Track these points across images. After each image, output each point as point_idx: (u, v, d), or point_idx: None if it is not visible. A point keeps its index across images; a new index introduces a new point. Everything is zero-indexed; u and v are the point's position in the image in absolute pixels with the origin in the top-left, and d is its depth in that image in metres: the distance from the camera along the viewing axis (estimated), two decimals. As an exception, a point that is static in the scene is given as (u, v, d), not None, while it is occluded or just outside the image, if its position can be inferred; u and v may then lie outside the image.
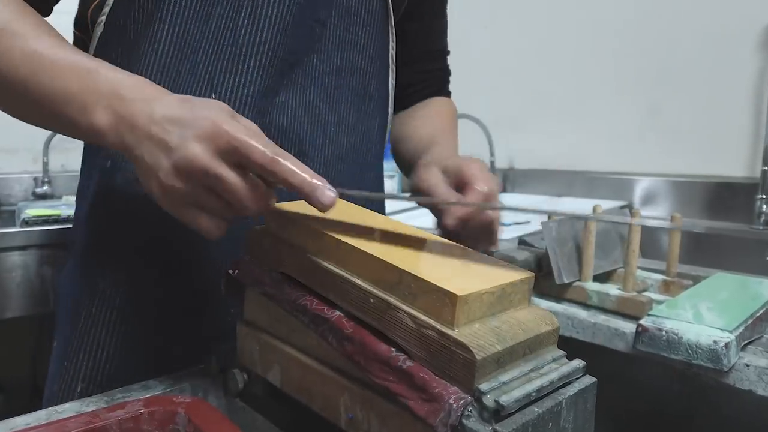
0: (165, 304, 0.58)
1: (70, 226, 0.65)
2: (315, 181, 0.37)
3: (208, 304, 0.59)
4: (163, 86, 0.48)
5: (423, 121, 0.77)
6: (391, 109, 0.73)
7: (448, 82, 0.83)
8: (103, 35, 0.58)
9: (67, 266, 0.62)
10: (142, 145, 0.39)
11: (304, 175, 0.37)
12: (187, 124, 0.38)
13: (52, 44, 0.43)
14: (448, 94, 0.83)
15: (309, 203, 0.38)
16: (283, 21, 0.58)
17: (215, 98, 0.52)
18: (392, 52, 0.71)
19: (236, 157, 0.37)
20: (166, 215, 0.41)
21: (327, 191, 0.37)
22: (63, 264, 0.64)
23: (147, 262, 0.58)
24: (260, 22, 0.58)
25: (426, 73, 0.80)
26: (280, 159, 0.37)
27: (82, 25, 0.60)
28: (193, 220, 0.40)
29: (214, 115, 0.38)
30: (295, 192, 0.37)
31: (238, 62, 0.57)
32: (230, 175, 0.37)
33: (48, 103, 0.42)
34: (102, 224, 0.59)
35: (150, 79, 0.48)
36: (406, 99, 0.80)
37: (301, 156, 0.61)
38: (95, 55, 0.58)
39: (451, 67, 0.84)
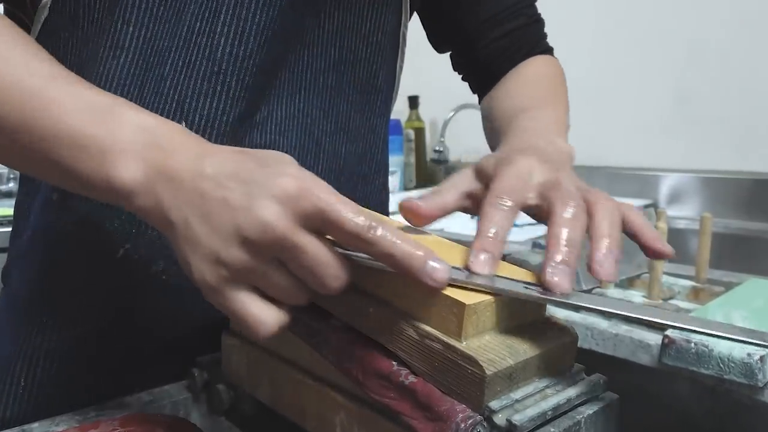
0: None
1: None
2: (419, 253, 0.32)
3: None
4: None
5: (507, 92, 0.65)
6: (395, 96, 0.68)
7: (541, 36, 0.70)
8: (49, 21, 0.52)
9: (4, 295, 0.58)
10: (188, 208, 0.33)
11: (405, 246, 0.32)
12: (258, 181, 0.32)
13: (50, 71, 0.37)
14: (545, 51, 0.70)
15: (419, 280, 0.32)
16: (273, 25, 0.51)
17: (185, 125, 0.45)
18: (404, 30, 0.65)
19: (320, 223, 0.32)
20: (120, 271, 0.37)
21: (439, 268, 0.32)
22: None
23: (88, 315, 0.54)
24: (244, 28, 0.50)
25: (506, 37, 0.68)
26: (378, 227, 0.32)
27: None
28: (244, 311, 0.33)
29: (294, 170, 0.33)
30: (395, 269, 0.33)
31: (216, 82, 0.51)
32: (312, 245, 0.32)
33: (47, 148, 0.35)
34: (43, 266, 0.54)
35: (112, 92, 0.44)
36: (493, 75, 0.69)
37: None
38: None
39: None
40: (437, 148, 1.78)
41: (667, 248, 0.40)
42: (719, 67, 1.45)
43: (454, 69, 0.75)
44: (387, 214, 0.71)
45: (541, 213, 0.40)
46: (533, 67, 0.68)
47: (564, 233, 0.36)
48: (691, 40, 1.49)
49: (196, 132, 0.45)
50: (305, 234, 0.32)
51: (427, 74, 1.50)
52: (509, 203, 0.38)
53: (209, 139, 0.46)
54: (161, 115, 0.44)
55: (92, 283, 0.53)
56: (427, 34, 0.74)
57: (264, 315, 0.33)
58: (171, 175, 0.33)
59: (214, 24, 0.50)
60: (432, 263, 0.32)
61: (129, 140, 0.35)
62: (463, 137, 1.77)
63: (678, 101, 1.52)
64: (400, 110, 1.84)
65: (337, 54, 0.58)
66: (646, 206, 1.43)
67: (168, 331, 0.56)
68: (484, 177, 0.43)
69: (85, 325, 0.54)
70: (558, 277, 0.35)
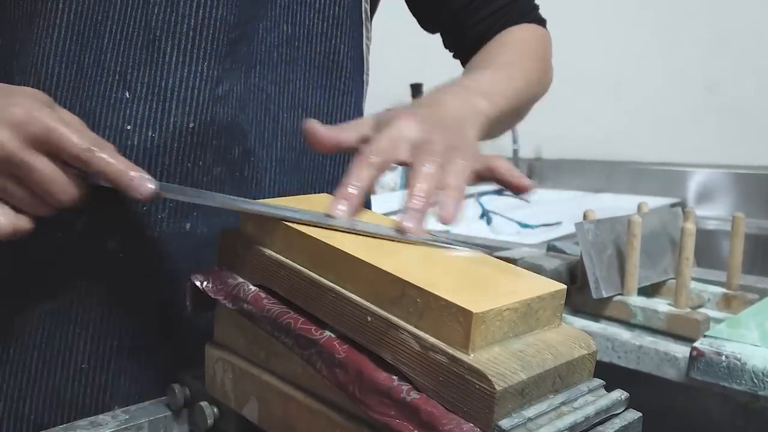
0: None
1: None
2: (131, 172, 0.43)
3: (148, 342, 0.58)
4: (67, 83, 0.54)
5: (472, 60, 0.71)
6: (366, 77, 0.71)
7: (529, 8, 0.76)
8: None
9: None
10: None
11: (119, 165, 0.43)
12: (1, 110, 0.42)
13: None
14: (532, 21, 0.75)
15: (128, 196, 0.43)
16: None
17: (129, 97, 0.55)
18: (365, 6, 0.68)
19: (48, 146, 0.43)
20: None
21: (146, 183, 0.43)
22: None
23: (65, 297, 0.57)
24: None
25: (493, 15, 0.74)
26: (94, 149, 0.43)
27: None
28: None
29: (28, 102, 0.43)
30: (112, 184, 0.43)
31: (153, 50, 0.55)
32: (40, 162, 0.43)
33: None
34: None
35: (49, 73, 0.54)
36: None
37: (247, 155, 0.60)
38: None
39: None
40: (443, 142, 1.78)
41: (527, 181, 0.51)
42: (753, 50, 1.45)
43: (446, 47, 0.79)
44: (369, 204, 0.71)
45: (409, 168, 0.48)
46: (510, 34, 0.73)
47: (416, 185, 0.45)
48: (720, 26, 1.49)
49: (144, 99, 0.55)
50: (34, 154, 0.42)
51: (431, 60, 1.50)
52: (374, 159, 0.46)
53: (175, 111, 0.56)
54: (104, 86, 0.55)
55: (52, 260, 0.57)
56: (413, 14, 0.78)
57: (1, 218, 0.43)
58: None
59: None
60: (141, 180, 0.43)
61: None
62: (471, 129, 1.77)
63: (707, 89, 1.53)
64: (402, 99, 1.84)
65: (290, 29, 0.62)
66: (673, 205, 1.43)
67: (129, 323, 0.58)
68: (377, 129, 0.50)
69: (46, 305, 0.57)
70: (408, 221, 0.43)
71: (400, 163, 0.49)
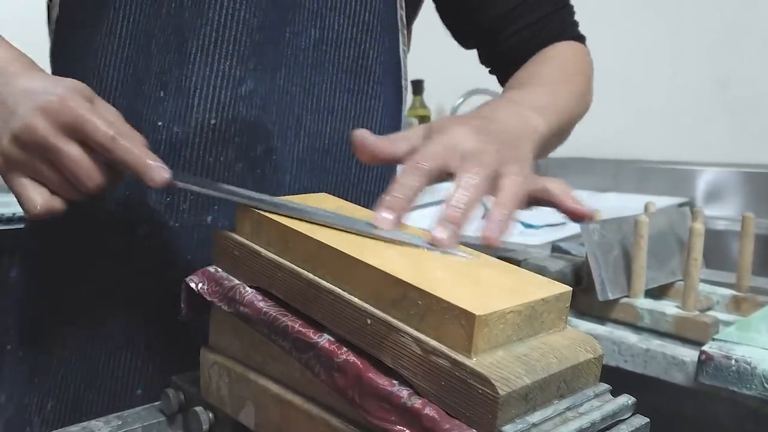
0: (139, 318, 0.63)
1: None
2: (148, 161, 0.47)
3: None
4: (123, 86, 0.61)
5: (515, 76, 0.71)
6: (404, 81, 0.73)
7: (567, 24, 0.75)
8: (60, 18, 0.65)
9: (20, 273, 0.69)
10: None
11: (138, 153, 0.47)
12: (37, 97, 0.47)
13: None
14: (572, 38, 0.75)
15: (144, 182, 0.47)
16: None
17: (164, 95, 0.61)
18: (401, 12, 0.70)
19: (78, 133, 0.47)
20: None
21: (161, 171, 0.47)
22: None
23: (115, 270, 0.63)
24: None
25: (527, 28, 0.74)
26: (118, 138, 0.46)
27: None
28: (20, 189, 0.48)
29: (64, 92, 0.47)
30: (130, 171, 0.47)
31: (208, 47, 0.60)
32: (69, 149, 0.47)
33: None
34: (58, 231, 0.65)
35: (110, 78, 0.61)
36: (516, 67, 0.73)
37: (269, 154, 0.63)
38: (53, 39, 0.67)
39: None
40: (444, 140, 1.78)
41: (586, 208, 0.49)
42: (764, 46, 1.45)
43: (481, 62, 0.79)
44: None
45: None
46: (552, 51, 0.73)
47: (456, 195, 0.43)
48: (730, 16, 1.49)
49: (174, 99, 0.60)
50: (65, 140, 0.46)
51: (431, 57, 1.50)
52: (425, 166, 0.45)
53: (197, 108, 0.61)
54: (147, 87, 0.61)
55: (86, 245, 0.64)
56: (448, 28, 0.79)
57: (34, 196, 0.48)
58: None
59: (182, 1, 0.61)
60: (156, 168, 0.46)
61: None
62: (474, 127, 1.77)
63: (717, 86, 1.53)
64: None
65: (318, 33, 0.65)
66: (681, 205, 1.43)
67: (153, 308, 0.63)
68: (428, 138, 0.49)
69: (85, 286, 0.64)
70: (441, 233, 0.42)
71: (451, 174, 0.46)
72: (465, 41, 0.79)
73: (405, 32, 0.71)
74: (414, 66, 1.78)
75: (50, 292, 0.66)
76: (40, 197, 0.48)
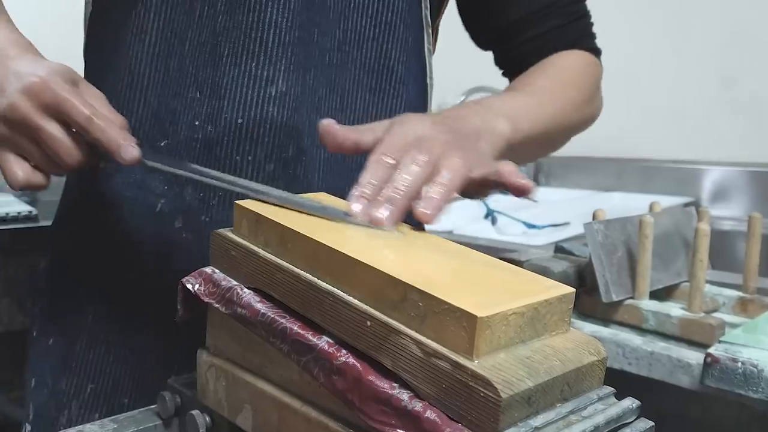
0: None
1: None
2: (120, 140, 0.51)
3: None
4: (155, 83, 0.65)
5: (513, 82, 0.75)
6: (430, 80, 0.75)
7: (581, 34, 0.77)
8: (93, 14, 0.69)
9: (52, 263, 0.74)
10: None
11: (111, 133, 0.51)
12: (23, 79, 0.52)
13: None
14: (585, 48, 0.77)
15: (114, 158, 0.52)
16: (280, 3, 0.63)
17: (199, 96, 0.64)
18: (425, 11, 0.72)
19: (58, 113, 0.51)
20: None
21: (130, 149, 0.51)
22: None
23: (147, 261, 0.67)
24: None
25: (540, 37, 0.76)
26: (94, 118, 0.51)
27: None
28: (4, 163, 0.53)
29: (47, 74, 0.51)
30: (103, 149, 0.52)
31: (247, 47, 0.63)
32: (49, 126, 0.51)
33: None
34: (92, 221, 0.70)
35: (141, 74, 0.65)
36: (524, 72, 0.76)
37: (300, 154, 0.65)
38: (87, 36, 0.71)
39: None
40: (445, 138, 1.78)
41: (527, 182, 0.51)
42: (770, 44, 1.45)
43: (496, 65, 0.82)
44: None
45: None
46: (555, 59, 0.75)
47: (397, 177, 0.46)
48: (736, 13, 1.49)
49: (209, 100, 0.64)
50: (45, 118, 0.51)
51: (435, 57, 1.50)
52: (391, 161, 0.47)
53: (226, 108, 0.64)
54: (182, 87, 0.65)
55: (132, 236, 0.68)
56: (466, 28, 0.81)
57: (16, 170, 0.53)
58: None
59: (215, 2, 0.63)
60: (126, 147, 0.51)
61: None
62: (476, 125, 1.77)
63: (723, 84, 1.53)
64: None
65: (342, 34, 0.67)
66: (686, 204, 1.43)
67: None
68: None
69: (125, 274, 0.68)
70: (377, 213, 0.45)
71: None
72: (481, 42, 0.81)
73: (430, 31, 0.73)
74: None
75: (86, 279, 0.70)
76: (22, 171, 0.53)
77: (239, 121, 0.63)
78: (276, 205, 0.47)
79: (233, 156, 0.64)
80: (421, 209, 0.45)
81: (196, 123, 0.64)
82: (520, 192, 0.52)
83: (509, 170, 0.52)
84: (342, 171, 0.68)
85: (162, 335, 0.67)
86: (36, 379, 0.72)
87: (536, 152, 0.76)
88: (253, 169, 0.64)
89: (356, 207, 0.45)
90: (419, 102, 0.74)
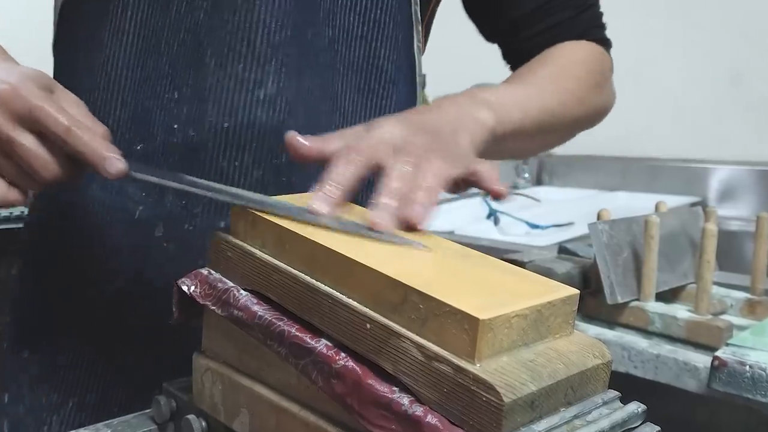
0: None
1: None
2: (103, 152, 0.47)
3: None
4: (132, 84, 0.62)
5: (512, 74, 0.74)
6: (419, 78, 0.75)
7: (590, 25, 0.77)
8: (64, 6, 0.66)
9: (23, 273, 0.72)
10: None
11: (93, 145, 0.47)
12: None
13: None
14: (593, 39, 0.77)
15: (98, 172, 0.48)
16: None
17: (177, 97, 0.62)
18: (415, 8, 0.71)
19: (32, 123, 0.47)
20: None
21: (115, 162, 0.47)
22: None
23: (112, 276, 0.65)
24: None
25: (549, 30, 0.75)
26: (73, 128, 0.47)
27: None
28: None
29: (18, 80, 0.47)
30: (86, 162, 0.48)
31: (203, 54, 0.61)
32: (25, 140, 0.47)
33: None
34: (66, 229, 0.67)
35: (118, 75, 0.62)
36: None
37: (294, 161, 0.63)
38: (57, 30, 0.68)
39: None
40: (447, 136, 1.78)
41: (503, 187, 0.51)
42: (779, 40, 1.45)
43: (503, 59, 0.81)
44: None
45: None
46: (558, 50, 0.74)
47: (389, 184, 0.46)
48: (745, 8, 1.49)
49: (189, 103, 0.62)
50: (19, 130, 0.47)
51: (435, 50, 1.50)
52: (356, 157, 0.48)
53: (210, 112, 0.62)
54: (159, 88, 0.62)
55: (109, 244, 0.65)
56: (472, 20, 0.81)
57: None
58: None
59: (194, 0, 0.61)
60: (111, 159, 0.47)
61: None
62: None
63: (731, 81, 1.53)
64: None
65: (331, 32, 0.66)
66: (693, 204, 1.43)
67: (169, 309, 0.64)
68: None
69: (103, 287, 0.66)
70: (379, 218, 0.44)
71: (378, 167, 0.49)
72: (488, 35, 0.81)
73: (419, 29, 0.72)
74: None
75: (61, 291, 0.67)
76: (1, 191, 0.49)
77: (225, 125, 0.62)
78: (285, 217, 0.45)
79: (218, 161, 0.62)
80: (409, 215, 0.45)
81: (175, 126, 0.62)
82: (495, 196, 0.52)
83: (486, 173, 0.52)
84: None
85: (144, 349, 0.65)
86: (9, 394, 0.70)
87: (531, 146, 0.75)
88: (240, 174, 0.63)
89: (317, 206, 0.45)
90: (409, 102, 0.73)
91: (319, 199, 0.45)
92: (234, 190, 0.49)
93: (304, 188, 0.63)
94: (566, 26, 0.75)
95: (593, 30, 0.77)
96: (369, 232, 0.43)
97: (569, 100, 0.70)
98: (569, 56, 0.74)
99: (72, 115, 0.48)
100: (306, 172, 0.64)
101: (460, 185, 0.53)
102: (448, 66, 1.67)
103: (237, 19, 0.61)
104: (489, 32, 0.80)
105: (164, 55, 0.62)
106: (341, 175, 0.47)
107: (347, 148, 0.49)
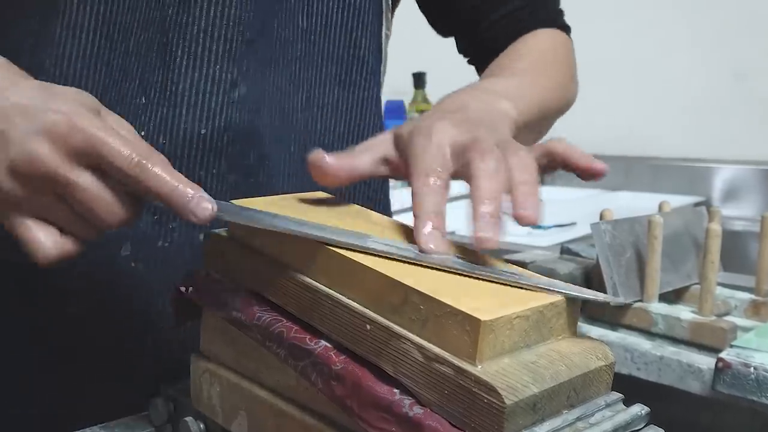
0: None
1: None
2: (188, 190, 0.40)
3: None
4: (95, 86, 0.56)
5: (489, 67, 0.70)
6: (384, 67, 0.72)
7: (550, 12, 0.75)
8: None
9: None
10: None
11: (174, 182, 0.40)
12: (36, 117, 0.39)
13: None
14: (556, 26, 0.75)
15: (182, 217, 0.40)
16: None
17: (145, 102, 0.56)
18: None
19: (93, 159, 0.40)
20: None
21: (204, 203, 0.40)
22: None
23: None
24: None
25: (507, 17, 0.73)
26: (146, 163, 0.39)
27: None
28: (23, 231, 0.41)
29: (70, 107, 0.40)
30: (165, 204, 0.40)
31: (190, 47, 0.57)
32: (85, 181, 0.40)
33: None
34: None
35: (76, 75, 0.55)
36: (496, 56, 0.73)
37: (262, 160, 0.61)
38: None
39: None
40: (448, 135, 1.78)
41: (599, 164, 0.48)
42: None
43: (459, 52, 0.79)
44: (388, 206, 0.73)
45: (464, 174, 0.44)
46: (527, 39, 0.72)
47: (483, 186, 0.41)
48: (749, 4, 1.49)
49: (158, 107, 0.56)
50: (78, 169, 0.40)
51: (434, 48, 1.50)
52: (439, 182, 0.43)
53: (185, 117, 0.57)
54: (127, 91, 0.57)
55: (69, 262, 0.58)
56: (424, 15, 0.77)
57: (43, 239, 0.41)
58: None
59: None
60: (199, 199, 0.40)
61: None
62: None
63: (735, 78, 1.53)
64: (403, 90, 1.84)
65: (306, 21, 0.62)
66: (697, 204, 1.44)
67: (140, 332, 0.60)
68: (401, 144, 0.47)
69: (66, 309, 0.59)
70: (485, 232, 0.40)
71: (454, 174, 0.45)
72: (442, 30, 0.78)
73: (389, 16, 0.69)
74: (416, 59, 1.79)
75: (16, 312, 0.61)
76: (48, 240, 0.41)
77: (202, 131, 0.58)
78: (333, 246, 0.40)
79: (196, 171, 0.58)
80: (524, 213, 0.41)
81: (142, 133, 0.56)
82: (590, 173, 0.49)
83: (564, 147, 0.48)
84: (308, 173, 0.64)
85: (107, 379, 0.60)
86: None
87: (530, 138, 0.70)
88: (217, 182, 0.59)
89: (433, 245, 0.40)
90: (380, 95, 0.71)
91: (431, 238, 0.40)
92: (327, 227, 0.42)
93: (270, 187, 0.60)
94: (525, 13, 0.73)
95: (555, 16, 0.75)
96: (485, 270, 0.39)
97: (555, 91, 0.68)
98: (543, 46, 0.72)
99: (137, 145, 0.41)
100: (270, 171, 0.61)
101: (546, 171, 0.50)
102: (448, 66, 1.67)
103: (212, 14, 0.57)
104: (443, 26, 0.77)
105: (132, 55, 0.57)
106: (437, 204, 0.42)
107: (415, 170, 0.44)
